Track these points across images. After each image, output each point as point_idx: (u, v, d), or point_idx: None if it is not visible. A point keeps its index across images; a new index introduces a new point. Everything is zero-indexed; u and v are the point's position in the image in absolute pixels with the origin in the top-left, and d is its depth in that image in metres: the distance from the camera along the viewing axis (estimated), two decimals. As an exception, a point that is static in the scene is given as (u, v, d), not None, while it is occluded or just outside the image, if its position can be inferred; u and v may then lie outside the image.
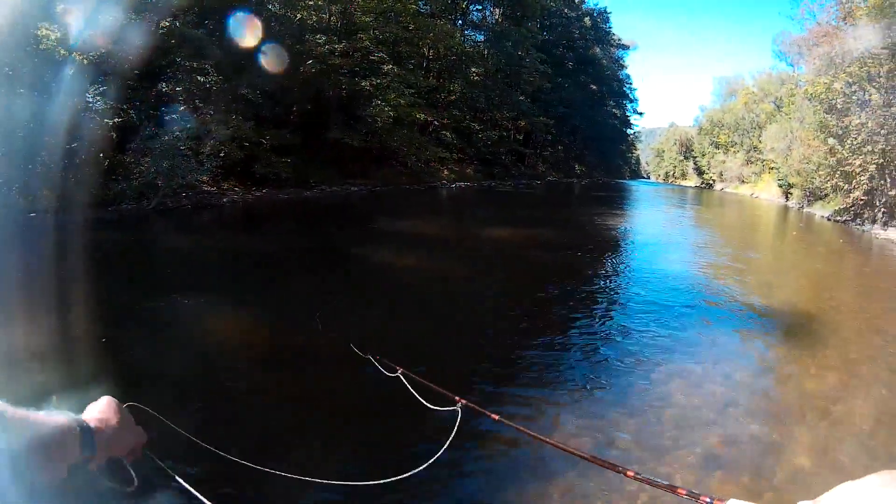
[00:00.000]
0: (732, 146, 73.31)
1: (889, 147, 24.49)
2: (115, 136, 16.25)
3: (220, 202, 19.39)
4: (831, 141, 29.62)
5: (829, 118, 28.98)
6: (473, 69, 45.25)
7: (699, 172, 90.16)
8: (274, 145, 23.70)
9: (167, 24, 19.86)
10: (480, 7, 51.35)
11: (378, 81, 30.03)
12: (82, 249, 9.91)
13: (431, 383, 2.12)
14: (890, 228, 24.13)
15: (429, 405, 2.03)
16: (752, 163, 65.25)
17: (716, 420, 5.22)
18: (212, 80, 20.88)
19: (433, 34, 37.81)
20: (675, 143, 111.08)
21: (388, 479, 1.71)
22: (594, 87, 72.36)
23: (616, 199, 43.16)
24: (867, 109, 25.75)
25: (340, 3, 30.51)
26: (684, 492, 0.90)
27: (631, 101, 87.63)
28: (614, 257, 15.39)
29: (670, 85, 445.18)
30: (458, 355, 6.70)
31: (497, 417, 1.90)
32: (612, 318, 8.56)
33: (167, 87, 19.33)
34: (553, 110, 58.58)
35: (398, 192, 30.78)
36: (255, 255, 12.11)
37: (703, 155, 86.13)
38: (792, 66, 54.08)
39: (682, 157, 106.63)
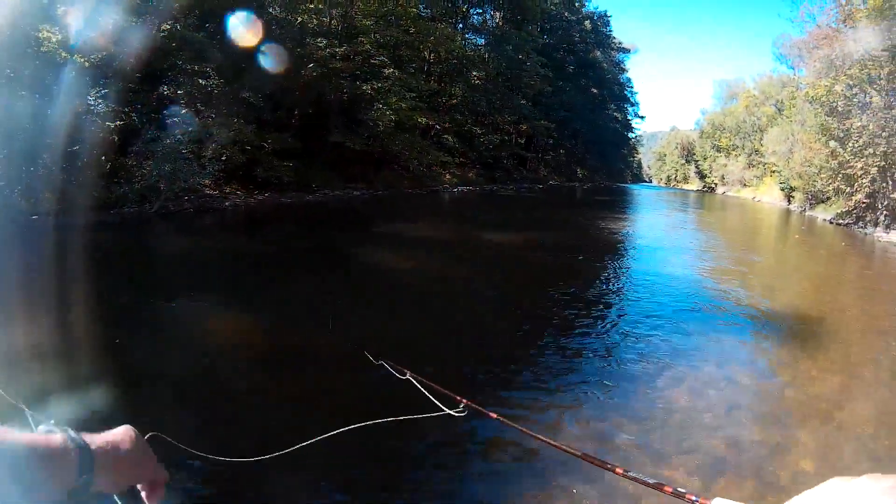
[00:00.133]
0: (734, 149, 73.38)
1: (890, 149, 24.49)
2: (116, 139, 16.24)
3: (222, 206, 19.36)
4: (833, 144, 29.63)
5: (830, 121, 29.02)
6: (474, 73, 45.22)
7: (701, 176, 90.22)
8: (276, 149, 23.68)
9: (168, 26, 19.84)
10: (481, 11, 51.36)
11: (379, 85, 30.00)
12: (84, 251, 9.90)
13: (434, 383, 2.11)
14: (892, 231, 24.14)
15: (442, 406, 2.01)
16: (753, 166, 65.31)
17: (720, 424, 5.21)
18: (213, 83, 20.87)
19: (434, 38, 37.81)
20: (677, 147, 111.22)
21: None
22: (595, 91, 72.30)
23: (618, 203, 43.28)
24: (868, 112, 25.77)
25: (341, 7, 30.53)
26: (670, 490, 0.89)
27: (632, 105, 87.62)
28: (617, 261, 15.41)
29: (671, 88, 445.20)
30: (459, 357, 6.66)
31: (495, 415, 1.88)
32: (614, 321, 8.54)
33: (168, 90, 19.32)
34: (554, 114, 58.52)
35: (400, 195, 30.76)
36: (257, 257, 12.11)
37: (705, 158, 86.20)
38: (793, 68, 54.24)
39: (683, 161, 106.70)
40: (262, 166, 22.87)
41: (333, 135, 27.80)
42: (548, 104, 57.78)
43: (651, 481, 0.94)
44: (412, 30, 35.66)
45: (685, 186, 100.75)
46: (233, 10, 21.54)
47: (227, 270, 10.83)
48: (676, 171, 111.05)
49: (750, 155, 66.20)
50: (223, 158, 19.81)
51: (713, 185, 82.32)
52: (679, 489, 0.86)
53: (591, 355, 6.89)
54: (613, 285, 11.79)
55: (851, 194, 28.11)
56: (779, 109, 56.45)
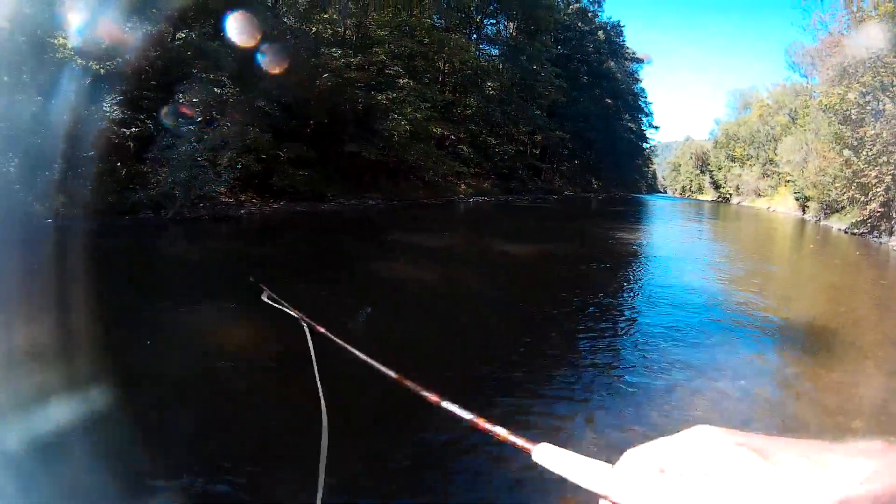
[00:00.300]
0: (748, 159, 72.93)
1: (905, 158, 24.15)
2: (131, 145, 16.20)
3: (237, 213, 19.27)
4: (847, 152, 29.28)
5: (843, 129, 28.68)
6: (489, 83, 45.22)
7: (716, 186, 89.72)
8: (291, 158, 23.63)
9: (183, 35, 19.87)
10: (494, 21, 51.47)
11: (394, 95, 29.98)
12: (97, 255, 9.87)
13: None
14: (906, 241, 23.73)
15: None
16: (768, 176, 64.83)
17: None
18: (228, 91, 20.83)
19: (448, 48, 37.87)
20: (691, 157, 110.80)
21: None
22: (609, 101, 72.14)
23: (633, 214, 43.11)
24: (881, 119, 25.38)
25: (355, 17, 30.63)
26: (484, 425, 0.75)
27: (646, 115, 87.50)
28: (632, 271, 15.27)
29: (686, 98, 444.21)
30: (468, 363, 6.55)
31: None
32: (629, 332, 8.42)
33: (184, 98, 19.28)
34: (569, 124, 58.35)
35: (415, 205, 30.61)
36: (269, 264, 11.96)
37: (720, 168, 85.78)
38: (805, 77, 53.91)
39: (698, 171, 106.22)
40: (278, 175, 22.81)
41: (348, 144, 27.72)
42: (562, 114, 57.66)
43: (467, 416, 0.78)
44: (426, 40, 35.70)
45: (700, 197, 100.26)
46: (248, 19, 21.54)
47: (239, 276, 10.70)
48: (691, 181, 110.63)
49: (764, 165, 65.76)
50: (238, 167, 19.76)
51: (728, 196, 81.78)
52: (497, 428, 0.72)
53: (603, 366, 6.72)
54: (628, 296, 11.63)
55: (866, 203, 27.67)
56: (792, 118, 56.09)
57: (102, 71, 15.82)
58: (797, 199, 45.76)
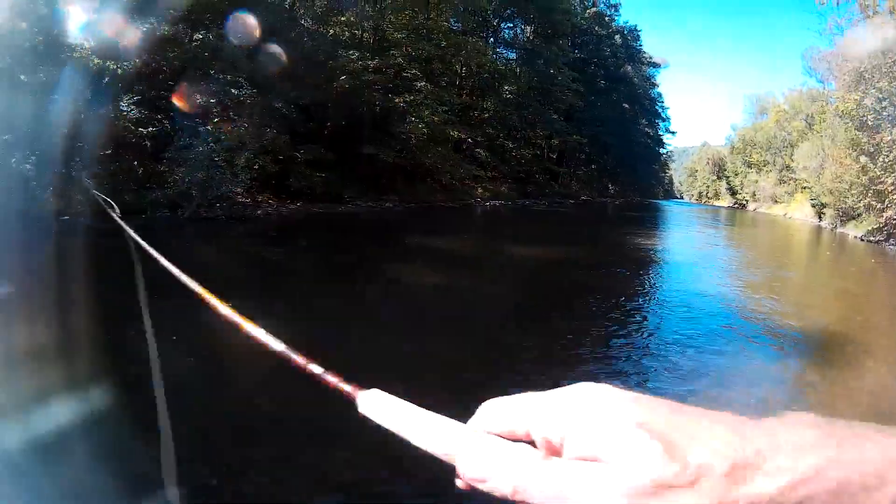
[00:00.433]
0: (765, 165, 72.28)
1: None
2: (148, 144, 16.12)
3: (254, 214, 19.16)
4: (863, 159, 28.74)
5: (860, 135, 28.26)
6: (506, 87, 45.09)
7: (732, 192, 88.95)
8: (308, 159, 23.56)
9: (200, 36, 19.83)
10: (511, 25, 51.40)
11: (411, 98, 29.91)
12: (111, 253, 9.65)
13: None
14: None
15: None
16: (784, 182, 64.18)
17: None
18: (245, 92, 20.77)
19: (465, 52, 37.82)
20: (708, 163, 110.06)
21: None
22: (626, 106, 71.79)
23: (650, 220, 42.83)
24: (898, 125, 24.97)
25: (373, 20, 30.58)
26: (302, 362, 0.64)
27: (663, 120, 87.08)
28: (650, 277, 15.23)
29: (702, 103, 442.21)
30: (482, 368, 6.41)
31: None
32: (645, 338, 8.31)
33: (201, 98, 19.21)
34: (586, 129, 58.05)
35: (432, 208, 30.44)
36: (283, 265, 11.90)
37: (736, 174, 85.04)
38: (822, 82, 53.06)
39: (714, 177, 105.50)
40: (295, 176, 22.74)
41: (366, 147, 27.62)
42: (579, 119, 57.35)
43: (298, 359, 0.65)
44: (444, 43, 35.69)
45: (716, 203, 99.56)
46: (265, 21, 21.53)
47: (252, 277, 10.61)
48: (707, 187, 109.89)
49: (781, 171, 65.08)
50: (255, 167, 19.68)
51: (744, 202, 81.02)
52: (313, 365, 0.60)
53: (618, 373, 6.55)
54: (645, 302, 11.57)
55: (882, 210, 27.15)
56: (809, 124, 55.44)
57: (119, 71, 15.77)
58: (813, 206, 45.10)
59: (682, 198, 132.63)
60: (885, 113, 25.96)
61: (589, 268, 15.00)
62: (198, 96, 18.84)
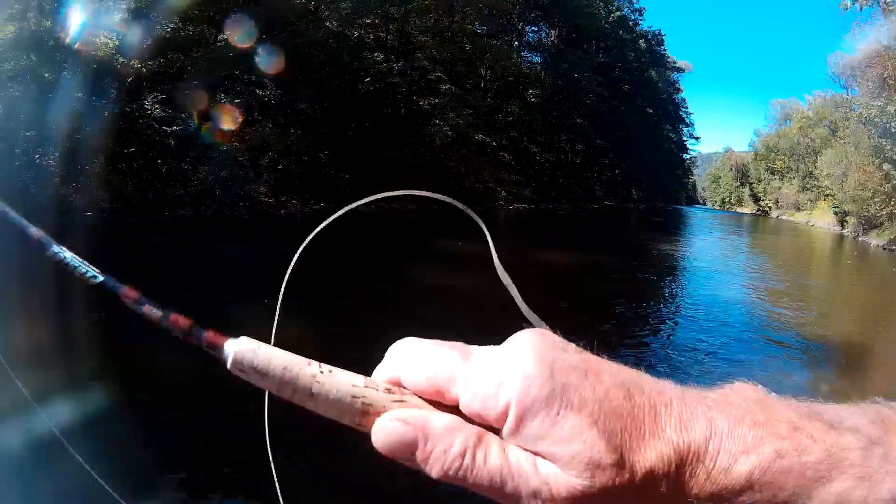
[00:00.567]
0: (788, 172, 71.36)
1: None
2: (172, 143, 16.05)
3: (276, 214, 19.01)
4: (886, 166, 28.29)
5: (884, 143, 27.72)
6: (531, 91, 44.80)
7: (755, 199, 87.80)
8: (332, 160, 23.41)
9: (225, 36, 19.79)
10: (536, 29, 51.17)
11: (436, 101, 29.74)
12: (133, 250, 9.60)
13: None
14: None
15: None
16: (807, 189, 63.26)
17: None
18: (270, 93, 20.69)
19: (490, 55, 37.64)
20: (731, 169, 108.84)
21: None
22: (650, 111, 71.20)
23: (674, 226, 42.71)
24: (922, 133, 24.45)
25: (398, 23, 30.47)
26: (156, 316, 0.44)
27: (687, 126, 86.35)
28: (673, 283, 15.31)
29: (726, 109, 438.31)
30: None
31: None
32: (666, 344, 8.46)
33: (226, 98, 19.14)
34: (610, 134, 57.56)
35: (454, 212, 30.23)
36: (303, 267, 11.64)
37: (759, 181, 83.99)
38: (845, 89, 52.27)
39: (738, 184, 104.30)
40: (318, 177, 22.59)
41: (390, 149, 27.45)
42: (603, 123, 56.82)
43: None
44: (468, 47, 35.49)
45: (739, 209, 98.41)
46: (290, 23, 21.51)
47: (272, 277, 10.40)
48: (731, 193, 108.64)
49: (804, 178, 64.18)
50: (279, 167, 19.55)
51: (767, 209, 79.94)
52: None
53: None
54: (668, 308, 11.70)
55: (905, 219, 26.67)
56: (833, 131, 54.55)
57: (144, 70, 15.74)
58: (836, 214, 44.39)
59: (704, 204, 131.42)
60: (909, 120, 25.58)
61: (613, 273, 15.05)
62: (222, 96, 18.79)
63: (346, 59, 24.76)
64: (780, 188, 73.61)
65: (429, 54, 31.31)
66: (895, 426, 0.43)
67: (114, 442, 3.53)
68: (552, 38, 51.24)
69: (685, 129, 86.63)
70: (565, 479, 0.39)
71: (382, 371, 0.43)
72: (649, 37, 72.74)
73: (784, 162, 71.76)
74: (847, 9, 31.80)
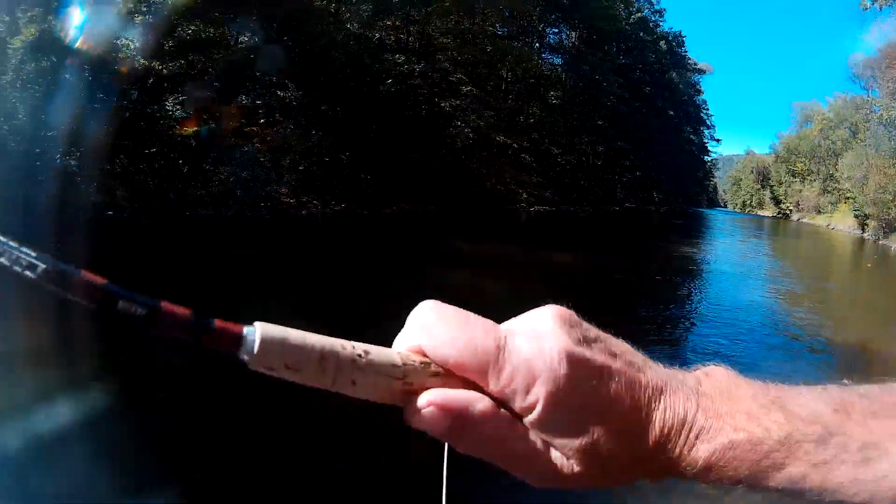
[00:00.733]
0: (809, 174, 70.50)
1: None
2: (193, 143, 15.98)
3: (298, 214, 18.88)
4: (908, 169, 27.72)
5: (904, 145, 27.19)
6: (552, 92, 44.55)
7: (776, 202, 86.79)
8: (353, 162, 23.28)
9: (246, 38, 19.75)
10: (557, 31, 50.90)
11: (457, 102, 29.58)
12: (154, 250, 9.49)
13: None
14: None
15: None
16: (828, 192, 62.43)
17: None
18: (291, 94, 20.60)
19: (511, 57, 37.47)
20: (752, 172, 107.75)
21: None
22: (671, 113, 70.48)
23: (695, 228, 42.99)
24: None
25: (419, 25, 30.37)
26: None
27: (708, 128, 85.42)
28: (693, 285, 15.44)
29: (748, 111, 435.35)
30: None
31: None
32: (685, 347, 8.59)
33: (247, 99, 19.08)
34: (631, 135, 57.09)
35: (476, 213, 30.06)
36: (322, 268, 11.60)
37: (780, 184, 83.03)
38: (866, 90, 51.57)
39: (758, 186, 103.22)
40: (340, 178, 22.46)
41: (411, 151, 27.30)
42: (624, 125, 56.34)
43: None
44: (489, 48, 35.36)
45: (760, 212, 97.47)
46: (310, 25, 21.45)
47: (290, 279, 10.36)
48: (751, 196, 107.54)
49: (825, 180, 63.43)
50: (300, 169, 19.45)
51: (788, 212, 79.00)
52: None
53: None
54: (688, 310, 11.88)
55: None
56: (853, 133, 53.86)
57: (165, 71, 15.70)
58: (857, 217, 43.76)
59: (725, 206, 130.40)
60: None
61: (635, 274, 15.22)
62: (243, 97, 18.73)
63: (367, 60, 24.67)
64: (800, 191, 72.88)
65: (450, 56, 31.17)
66: (857, 414, 0.47)
67: (114, 442, 3.51)
68: (573, 40, 50.93)
69: (706, 132, 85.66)
70: (570, 466, 0.44)
71: (406, 338, 0.44)
72: (670, 38, 72.05)
73: (805, 164, 71.20)
74: (867, 9, 31.35)
